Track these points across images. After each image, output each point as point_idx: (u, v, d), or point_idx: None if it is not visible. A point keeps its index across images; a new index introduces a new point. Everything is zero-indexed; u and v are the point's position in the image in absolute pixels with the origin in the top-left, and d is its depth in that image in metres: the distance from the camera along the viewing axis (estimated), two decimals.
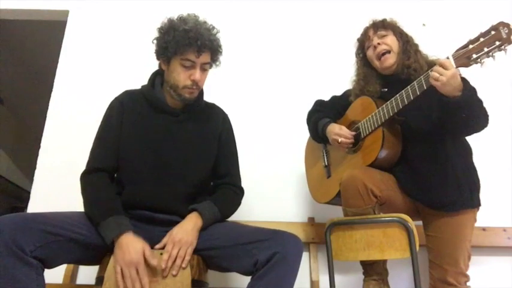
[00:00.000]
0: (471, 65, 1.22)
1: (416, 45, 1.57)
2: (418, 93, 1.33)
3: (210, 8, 2.32)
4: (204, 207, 1.30)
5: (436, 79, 1.25)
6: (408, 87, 1.36)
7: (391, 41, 1.56)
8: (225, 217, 1.37)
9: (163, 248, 1.19)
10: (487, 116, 1.39)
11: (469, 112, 1.30)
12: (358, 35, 1.68)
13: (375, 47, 1.56)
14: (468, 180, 1.45)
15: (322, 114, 1.70)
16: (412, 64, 1.49)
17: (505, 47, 1.16)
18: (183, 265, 1.17)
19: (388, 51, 1.54)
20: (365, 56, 1.65)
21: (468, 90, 1.28)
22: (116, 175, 1.40)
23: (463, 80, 1.29)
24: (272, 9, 2.40)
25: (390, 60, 1.54)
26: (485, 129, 1.42)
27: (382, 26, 1.59)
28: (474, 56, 1.20)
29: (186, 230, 1.22)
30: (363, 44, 1.64)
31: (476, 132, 1.43)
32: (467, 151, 1.51)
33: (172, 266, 1.15)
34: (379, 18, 1.63)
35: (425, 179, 1.44)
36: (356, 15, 2.34)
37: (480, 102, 1.36)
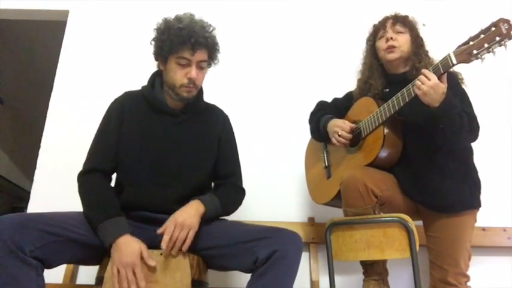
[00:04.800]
0: (472, 60, 1.23)
1: (427, 51, 1.57)
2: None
3: (211, 8, 2.32)
4: (206, 198, 1.30)
5: (418, 87, 1.29)
6: (409, 84, 1.37)
7: (404, 39, 1.55)
8: (226, 212, 1.37)
9: (164, 240, 1.18)
10: (474, 130, 1.40)
11: (447, 124, 1.31)
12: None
13: (387, 40, 1.55)
14: (468, 182, 1.45)
15: (325, 112, 1.71)
16: (421, 68, 1.44)
17: (505, 42, 1.17)
18: (183, 248, 1.17)
19: (395, 46, 1.53)
20: (374, 44, 1.63)
21: (447, 103, 1.29)
22: (116, 176, 1.40)
23: (454, 94, 1.30)
24: (273, 9, 2.40)
25: (394, 54, 1.54)
26: (485, 128, 1.42)
27: (402, 21, 1.57)
28: (475, 52, 1.21)
29: (189, 213, 1.22)
30: (377, 31, 1.62)
31: (460, 145, 1.44)
32: (468, 152, 1.50)
33: (173, 247, 1.16)
34: (405, 7, 1.61)
35: (425, 182, 1.44)
36: (357, 16, 2.35)
37: (462, 117, 1.33)
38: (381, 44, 1.59)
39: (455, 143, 1.41)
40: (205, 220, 1.26)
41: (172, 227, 1.18)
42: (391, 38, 1.54)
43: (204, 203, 1.27)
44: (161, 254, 1.17)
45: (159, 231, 1.19)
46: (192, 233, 1.19)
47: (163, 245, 1.16)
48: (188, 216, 1.21)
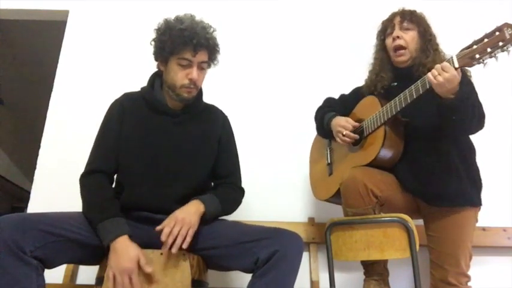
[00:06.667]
0: (474, 65, 1.22)
1: (437, 45, 1.56)
2: (421, 92, 1.33)
3: (211, 8, 2.32)
4: (206, 198, 1.30)
5: (434, 77, 1.26)
6: (412, 86, 1.36)
7: (411, 37, 1.55)
8: (226, 212, 1.37)
9: (164, 233, 1.16)
10: (482, 118, 1.39)
11: (459, 116, 1.30)
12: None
13: (394, 39, 1.56)
14: (470, 177, 1.44)
15: (330, 109, 1.71)
16: (428, 64, 1.48)
17: (508, 48, 1.16)
18: (184, 246, 1.16)
19: (404, 48, 1.54)
20: (384, 40, 1.64)
21: (461, 95, 1.28)
22: (116, 176, 1.40)
23: (463, 83, 1.28)
24: (273, 9, 2.40)
25: (403, 57, 1.55)
26: (485, 128, 1.42)
27: (409, 18, 1.57)
28: (477, 56, 1.20)
29: (189, 212, 1.22)
30: (386, 28, 1.63)
31: (469, 133, 1.46)
32: (471, 150, 1.50)
33: (173, 244, 1.15)
34: (409, 7, 1.60)
35: (425, 173, 1.44)
36: (357, 15, 2.35)
37: (474, 107, 1.34)
38: (389, 42, 1.60)
39: (465, 132, 1.44)
40: (205, 220, 1.26)
41: (172, 223, 1.17)
42: (398, 37, 1.55)
43: (204, 203, 1.27)
44: (161, 253, 1.17)
45: (158, 227, 1.18)
46: (192, 230, 1.19)
47: (163, 237, 1.15)
48: (188, 214, 1.21)
